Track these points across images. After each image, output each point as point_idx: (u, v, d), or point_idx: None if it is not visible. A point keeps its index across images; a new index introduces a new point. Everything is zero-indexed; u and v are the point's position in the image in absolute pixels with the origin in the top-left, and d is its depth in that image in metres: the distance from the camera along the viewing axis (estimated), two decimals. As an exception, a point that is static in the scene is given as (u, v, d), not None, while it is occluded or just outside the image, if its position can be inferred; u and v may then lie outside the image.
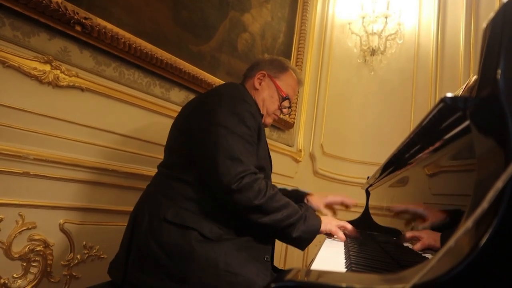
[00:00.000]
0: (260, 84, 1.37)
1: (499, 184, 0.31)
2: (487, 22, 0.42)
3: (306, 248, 1.09)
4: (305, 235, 1.07)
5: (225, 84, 1.27)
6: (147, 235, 1.03)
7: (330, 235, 1.24)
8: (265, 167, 1.20)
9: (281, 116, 1.69)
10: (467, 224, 0.32)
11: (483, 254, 0.32)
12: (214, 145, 1.05)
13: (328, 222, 1.20)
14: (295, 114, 2.73)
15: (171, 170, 1.16)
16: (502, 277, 0.32)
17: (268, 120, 1.41)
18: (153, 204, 1.10)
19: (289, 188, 1.60)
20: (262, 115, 1.35)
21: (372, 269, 0.70)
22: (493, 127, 0.37)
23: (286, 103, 1.41)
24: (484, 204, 0.31)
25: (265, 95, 1.36)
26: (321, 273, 0.39)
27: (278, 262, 2.57)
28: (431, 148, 0.61)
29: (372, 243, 1.31)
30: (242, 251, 1.03)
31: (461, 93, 1.08)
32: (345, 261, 0.83)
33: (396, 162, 0.98)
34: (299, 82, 1.46)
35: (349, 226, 1.28)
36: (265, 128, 2.51)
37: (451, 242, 0.31)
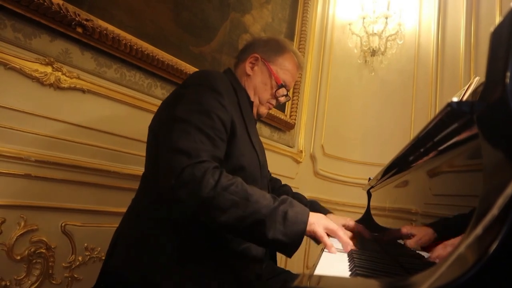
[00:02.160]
0: (252, 69, 1.20)
1: (509, 190, 0.30)
2: (494, 26, 0.42)
3: (307, 247, 0.95)
4: (285, 238, 0.82)
5: (194, 73, 1.10)
6: (122, 261, 0.97)
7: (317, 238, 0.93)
8: (245, 166, 1.03)
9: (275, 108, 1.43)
10: (477, 230, 0.32)
11: (493, 260, 0.31)
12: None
13: (315, 222, 0.89)
14: (295, 115, 2.72)
15: (143, 180, 1.09)
16: (512, 284, 0.32)
17: (262, 110, 1.24)
18: (128, 224, 1.04)
19: (307, 199, 1.44)
20: (252, 103, 1.20)
21: (376, 272, 0.70)
22: (501, 132, 0.37)
23: (282, 91, 1.23)
24: (494, 211, 0.31)
25: (257, 82, 1.19)
26: (328, 279, 0.39)
27: (279, 262, 2.56)
28: (436, 152, 0.61)
29: (374, 245, 1.30)
30: (224, 272, 0.93)
31: (464, 94, 1.08)
32: (348, 264, 0.83)
33: (399, 165, 0.98)
34: (299, 66, 1.27)
35: (341, 235, 0.95)
36: (266, 129, 2.51)
37: (461, 249, 0.31)
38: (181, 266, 0.91)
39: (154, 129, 1.07)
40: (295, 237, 0.84)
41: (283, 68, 1.22)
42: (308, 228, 0.87)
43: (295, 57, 1.25)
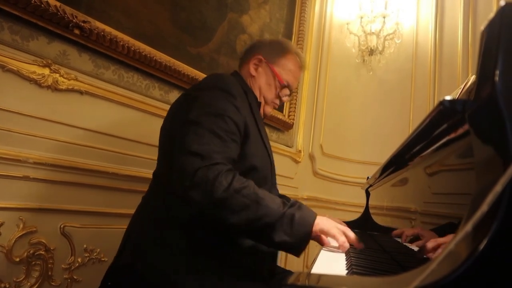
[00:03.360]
0: (256, 70, 1.24)
1: (498, 187, 0.31)
2: (484, 24, 0.42)
3: (307, 247, 0.97)
4: (292, 239, 0.85)
5: (208, 76, 1.14)
6: (134, 257, 0.97)
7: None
8: (258, 167, 1.06)
9: (279, 109, 1.57)
10: (467, 227, 0.32)
11: (482, 257, 0.32)
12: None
13: (320, 223, 0.91)
14: (294, 115, 2.73)
15: (154, 179, 1.10)
16: (501, 280, 0.32)
17: (267, 109, 1.30)
18: (140, 222, 1.05)
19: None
20: (259, 103, 1.24)
21: (373, 271, 0.71)
22: (491, 130, 0.37)
23: (285, 91, 1.28)
24: (484, 207, 0.31)
25: (262, 83, 1.24)
26: (324, 277, 0.39)
27: (279, 261, 2.56)
28: (430, 150, 0.61)
29: (372, 243, 1.31)
30: (238, 270, 0.95)
31: (460, 93, 1.08)
32: (346, 262, 0.84)
33: (395, 163, 0.98)
34: (302, 67, 1.31)
35: (351, 234, 0.95)
36: (265, 128, 2.50)
37: (451, 246, 0.32)
38: (194, 262, 0.93)
39: (167, 129, 1.09)
40: (301, 238, 0.87)
41: (286, 68, 1.25)
42: (314, 229, 0.89)
43: (298, 57, 1.29)
